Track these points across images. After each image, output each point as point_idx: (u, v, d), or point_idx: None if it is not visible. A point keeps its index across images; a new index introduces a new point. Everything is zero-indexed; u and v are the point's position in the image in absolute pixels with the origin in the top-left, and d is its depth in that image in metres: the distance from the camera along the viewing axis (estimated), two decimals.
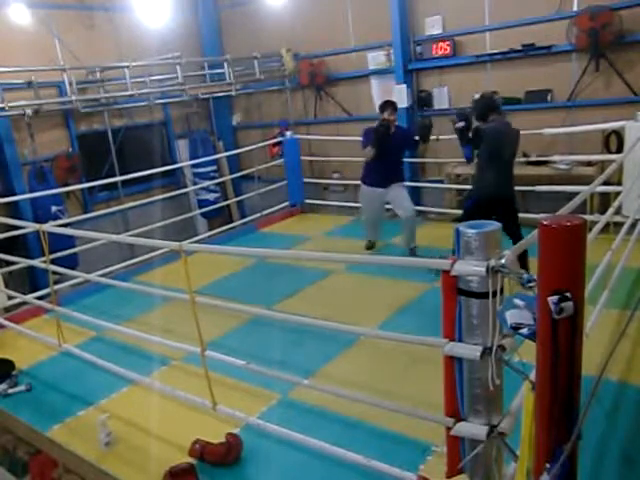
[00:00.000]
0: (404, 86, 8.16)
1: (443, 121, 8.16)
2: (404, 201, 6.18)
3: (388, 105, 6.09)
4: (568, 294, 1.71)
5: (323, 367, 4.10)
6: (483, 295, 2.07)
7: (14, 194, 6.93)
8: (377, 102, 8.74)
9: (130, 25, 8.66)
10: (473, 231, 2.06)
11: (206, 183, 9.17)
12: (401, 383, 3.77)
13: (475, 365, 2.16)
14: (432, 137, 6.18)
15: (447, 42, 7.81)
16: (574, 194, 2.94)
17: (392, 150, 6.06)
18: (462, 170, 7.68)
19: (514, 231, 4.70)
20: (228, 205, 9.68)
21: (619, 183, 5.72)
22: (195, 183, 9.34)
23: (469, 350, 2.14)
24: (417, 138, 6.16)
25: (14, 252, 5.69)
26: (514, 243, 4.20)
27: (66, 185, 7.45)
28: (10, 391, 4.25)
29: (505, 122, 5.05)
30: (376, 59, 8.60)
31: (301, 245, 7.08)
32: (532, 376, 1.94)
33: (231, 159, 9.85)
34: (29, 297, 5.37)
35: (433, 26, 7.96)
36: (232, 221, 9.26)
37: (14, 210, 7.22)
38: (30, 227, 4.90)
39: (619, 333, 3.73)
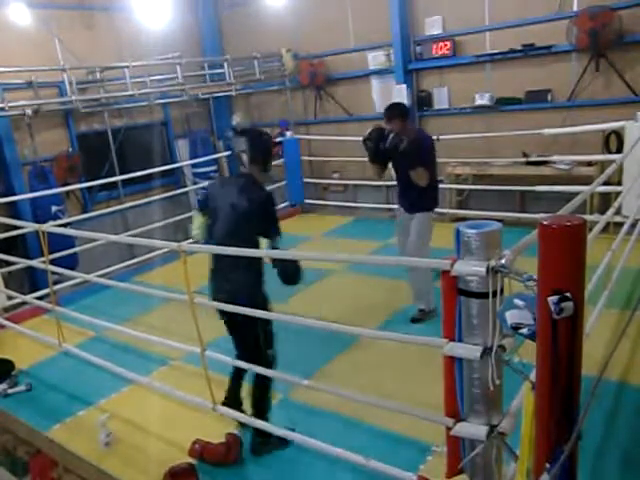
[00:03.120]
0: (404, 86, 8.16)
1: (443, 121, 8.22)
2: (408, 243, 4.81)
3: (385, 112, 4.69)
4: (568, 294, 1.71)
5: (323, 367, 4.11)
6: (483, 295, 2.06)
7: (14, 194, 6.93)
8: (377, 102, 8.78)
9: (130, 25, 8.66)
10: (473, 231, 2.05)
11: (206, 183, 9.16)
12: (401, 383, 3.78)
13: (475, 365, 2.15)
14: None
15: (447, 42, 7.81)
16: (574, 194, 2.94)
17: (400, 167, 4.82)
18: (462, 170, 7.69)
19: (248, 356, 3.24)
20: None
21: (619, 183, 5.72)
22: (195, 183, 9.34)
23: (469, 350, 2.14)
24: None
25: (14, 252, 5.69)
26: (255, 384, 3.18)
27: (66, 185, 7.45)
28: (10, 391, 4.25)
29: (236, 180, 3.42)
30: (376, 59, 8.61)
31: (301, 245, 7.08)
32: (532, 376, 1.94)
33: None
34: (29, 297, 5.38)
35: (433, 26, 7.96)
36: None
37: (14, 210, 7.21)
38: (30, 227, 4.90)
39: (619, 333, 3.73)
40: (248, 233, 3.20)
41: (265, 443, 3.31)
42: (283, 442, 3.28)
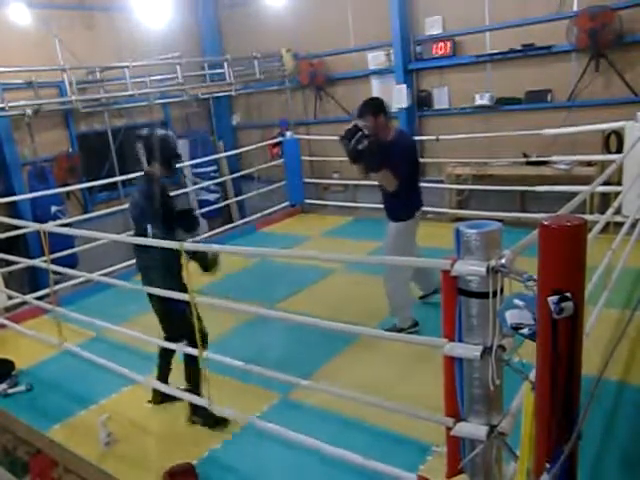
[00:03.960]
0: (404, 86, 8.17)
1: (443, 121, 8.22)
2: (384, 252, 4.66)
3: (358, 108, 4.43)
4: (568, 294, 1.71)
5: (323, 367, 4.10)
6: (483, 295, 2.06)
7: (14, 194, 6.93)
8: None
9: (130, 25, 8.65)
10: (473, 231, 2.05)
11: (206, 183, 9.17)
12: (401, 383, 3.77)
13: (475, 365, 2.15)
14: None
15: (447, 42, 7.81)
16: (574, 194, 2.93)
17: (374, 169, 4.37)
18: (462, 170, 7.69)
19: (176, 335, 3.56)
20: (228, 205, 9.68)
21: (619, 183, 5.72)
22: (195, 183, 9.34)
23: (469, 350, 2.14)
24: None
25: (14, 252, 5.69)
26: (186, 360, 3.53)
27: (66, 185, 7.45)
28: (10, 391, 4.25)
29: (139, 180, 3.76)
30: (376, 59, 8.61)
31: (301, 245, 7.08)
32: (532, 376, 1.94)
33: (231, 159, 9.85)
34: (29, 297, 5.37)
35: (433, 26, 7.96)
36: (232, 221, 9.26)
37: (14, 210, 7.21)
38: (31, 227, 4.90)
39: (619, 333, 3.73)
40: (147, 227, 3.45)
41: (200, 416, 3.51)
42: (219, 422, 3.49)
